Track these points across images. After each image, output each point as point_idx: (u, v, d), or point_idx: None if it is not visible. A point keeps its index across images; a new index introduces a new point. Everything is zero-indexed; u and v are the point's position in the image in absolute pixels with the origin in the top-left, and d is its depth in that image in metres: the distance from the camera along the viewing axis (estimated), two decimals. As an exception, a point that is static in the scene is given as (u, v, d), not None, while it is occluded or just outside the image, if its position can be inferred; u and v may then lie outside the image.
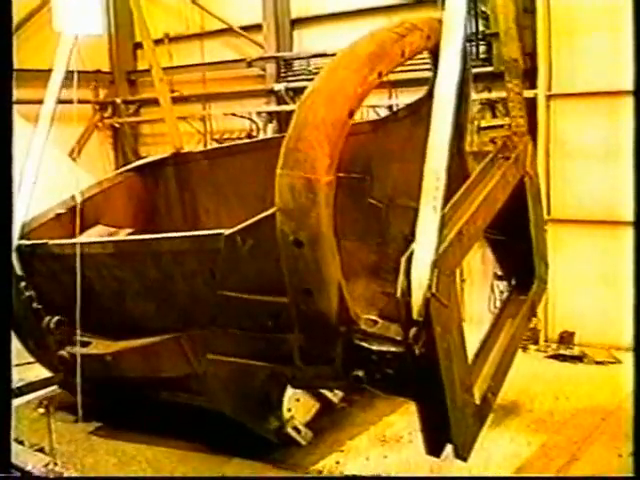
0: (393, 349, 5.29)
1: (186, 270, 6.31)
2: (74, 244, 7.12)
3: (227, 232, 5.82)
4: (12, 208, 4.10)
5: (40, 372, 8.42)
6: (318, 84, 5.24)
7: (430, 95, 7.19)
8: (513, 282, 7.36)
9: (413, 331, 4.95)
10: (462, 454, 5.46)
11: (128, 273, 6.77)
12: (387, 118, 8.02)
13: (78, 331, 6.91)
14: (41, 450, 7.15)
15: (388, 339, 5.35)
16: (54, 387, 8.40)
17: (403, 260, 4.95)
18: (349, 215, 7.42)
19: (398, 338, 5.22)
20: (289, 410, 6.81)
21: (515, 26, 6.99)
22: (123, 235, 8.39)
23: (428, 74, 6.91)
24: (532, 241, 6.98)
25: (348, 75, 5.14)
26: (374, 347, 5.39)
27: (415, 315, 4.89)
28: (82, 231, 8.08)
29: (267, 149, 8.65)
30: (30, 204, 7.66)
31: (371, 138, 7.76)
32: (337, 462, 7.16)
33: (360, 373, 5.53)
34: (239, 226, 5.78)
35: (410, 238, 5.12)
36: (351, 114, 5.05)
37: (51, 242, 7.28)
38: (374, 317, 5.61)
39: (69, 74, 7.77)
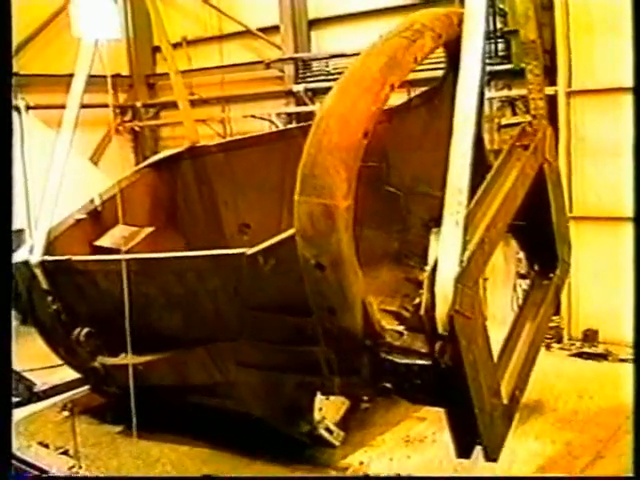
0: (419, 362, 5.28)
1: (210, 287, 6.32)
2: (96, 260, 7.15)
3: (249, 252, 5.80)
4: (12, 207, 4.13)
5: (64, 375, 8.48)
6: (330, 105, 5.15)
7: (442, 84, 7.22)
8: (536, 267, 7.26)
9: (438, 345, 4.95)
10: (492, 456, 5.46)
11: (153, 289, 6.79)
12: (401, 107, 7.94)
13: (128, 347, 6.91)
14: (65, 453, 7.19)
15: (414, 352, 5.34)
16: (78, 390, 8.47)
17: (426, 276, 4.91)
18: (368, 203, 7.38)
19: (424, 351, 5.21)
20: (320, 409, 6.83)
21: (532, 6, 6.90)
22: (144, 234, 8.42)
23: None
24: (553, 225, 6.91)
25: (360, 94, 5.05)
26: (400, 360, 5.40)
27: (440, 330, 4.87)
28: (103, 233, 8.13)
29: (282, 140, 8.69)
30: (55, 207, 7.71)
31: (386, 127, 7.70)
32: (361, 462, 7.16)
33: (388, 384, 5.56)
34: (260, 246, 5.75)
35: (430, 225, 5.11)
36: (366, 135, 4.97)
37: (74, 258, 7.31)
38: (400, 328, 5.61)
39: (91, 79, 7.82)
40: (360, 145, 4.97)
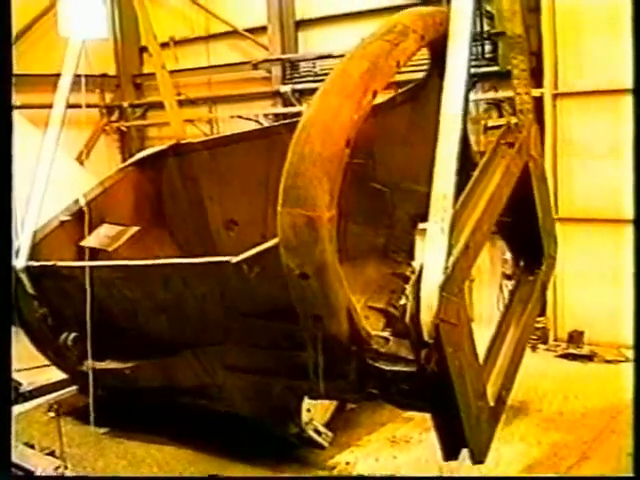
0: (405, 369, 5.28)
1: (196, 293, 6.29)
2: (82, 266, 7.11)
3: (234, 260, 5.74)
4: (12, 207, 4.14)
5: (50, 375, 8.45)
6: (312, 114, 5.10)
7: (427, 81, 7.22)
8: (522, 264, 7.25)
9: (424, 352, 4.96)
10: (478, 458, 5.49)
11: (139, 294, 6.76)
12: (385, 103, 7.81)
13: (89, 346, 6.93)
14: (52, 454, 7.14)
15: (400, 359, 5.32)
16: (64, 390, 8.44)
17: (411, 283, 4.91)
18: (354, 199, 7.40)
19: (410, 357, 5.20)
20: (308, 410, 6.79)
21: (518, 0, 6.89)
22: (130, 233, 8.39)
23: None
24: (539, 221, 6.90)
25: (342, 102, 4.99)
26: (386, 367, 5.39)
27: (425, 337, 4.88)
28: (88, 233, 8.09)
29: (266, 137, 8.67)
30: (41, 209, 7.67)
31: (371, 123, 7.69)
32: (347, 463, 7.17)
33: (374, 390, 5.59)
34: (245, 254, 5.69)
35: (417, 220, 5.08)
36: (348, 143, 4.92)
37: (60, 263, 7.27)
38: (385, 334, 5.58)
39: (77, 78, 7.79)
40: (343, 155, 4.93)
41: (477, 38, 10.69)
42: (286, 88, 13.52)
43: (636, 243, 4.87)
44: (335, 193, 4.93)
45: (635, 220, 4.63)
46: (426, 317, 4.82)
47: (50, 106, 7.97)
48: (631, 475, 4.12)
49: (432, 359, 4.96)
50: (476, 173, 5.92)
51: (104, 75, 15.40)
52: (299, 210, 4.89)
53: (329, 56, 12.59)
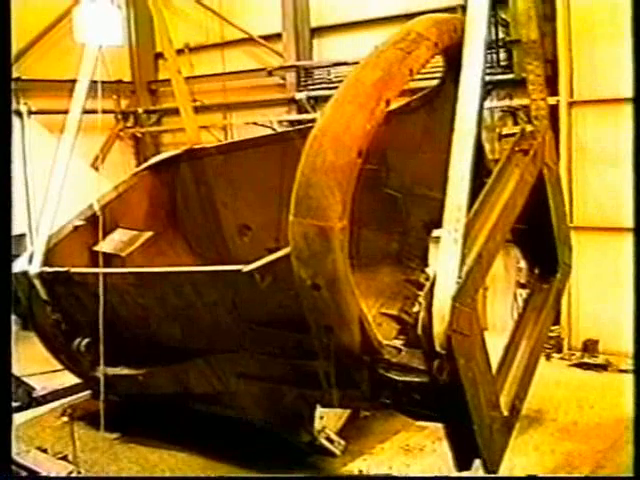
0: (417, 379, 5.25)
1: (208, 300, 6.28)
2: (95, 272, 7.11)
3: (245, 269, 5.72)
4: (11, 211, 4.17)
5: (64, 380, 8.46)
6: (324, 123, 5.08)
7: (441, 87, 7.19)
8: (537, 271, 7.20)
9: (436, 363, 4.93)
10: (492, 469, 5.45)
11: (151, 301, 6.77)
12: (399, 109, 7.70)
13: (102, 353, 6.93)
14: (64, 458, 7.16)
15: (412, 369, 5.30)
16: (78, 395, 8.45)
17: (423, 295, 4.89)
18: (368, 205, 7.33)
19: (422, 368, 5.18)
20: (321, 418, 6.79)
21: (534, 6, 6.85)
22: (144, 239, 8.41)
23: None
24: (554, 228, 6.86)
25: (354, 111, 4.98)
26: (398, 377, 5.37)
27: (437, 348, 4.86)
28: (102, 238, 8.09)
29: (280, 142, 8.66)
30: (56, 215, 7.69)
31: (385, 130, 7.67)
32: (360, 471, 7.14)
33: (387, 400, 5.56)
34: (257, 263, 5.67)
35: (431, 227, 5.07)
36: (360, 153, 4.91)
37: (73, 270, 7.28)
38: (398, 344, 5.56)
39: (93, 84, 7.81)
40: (355, 165, 4.91)
41: (492, 46, 10.69)
42: (301, 95, 13.54)
43: (636, 251, 4.83)
44: (347, 203, 4.92)
45: (635, 228, 4.59)
46: (438, 328, 4.81)
47: (66, 112, 8.00)
48: (631, 475, 4.08)
49: (444, 370, 4.94)
50: (490, 181, 5.89)
51: (119, 81, 15.43)
52: (311, 220, 4.89)
53: (344, 63, 12.62)
